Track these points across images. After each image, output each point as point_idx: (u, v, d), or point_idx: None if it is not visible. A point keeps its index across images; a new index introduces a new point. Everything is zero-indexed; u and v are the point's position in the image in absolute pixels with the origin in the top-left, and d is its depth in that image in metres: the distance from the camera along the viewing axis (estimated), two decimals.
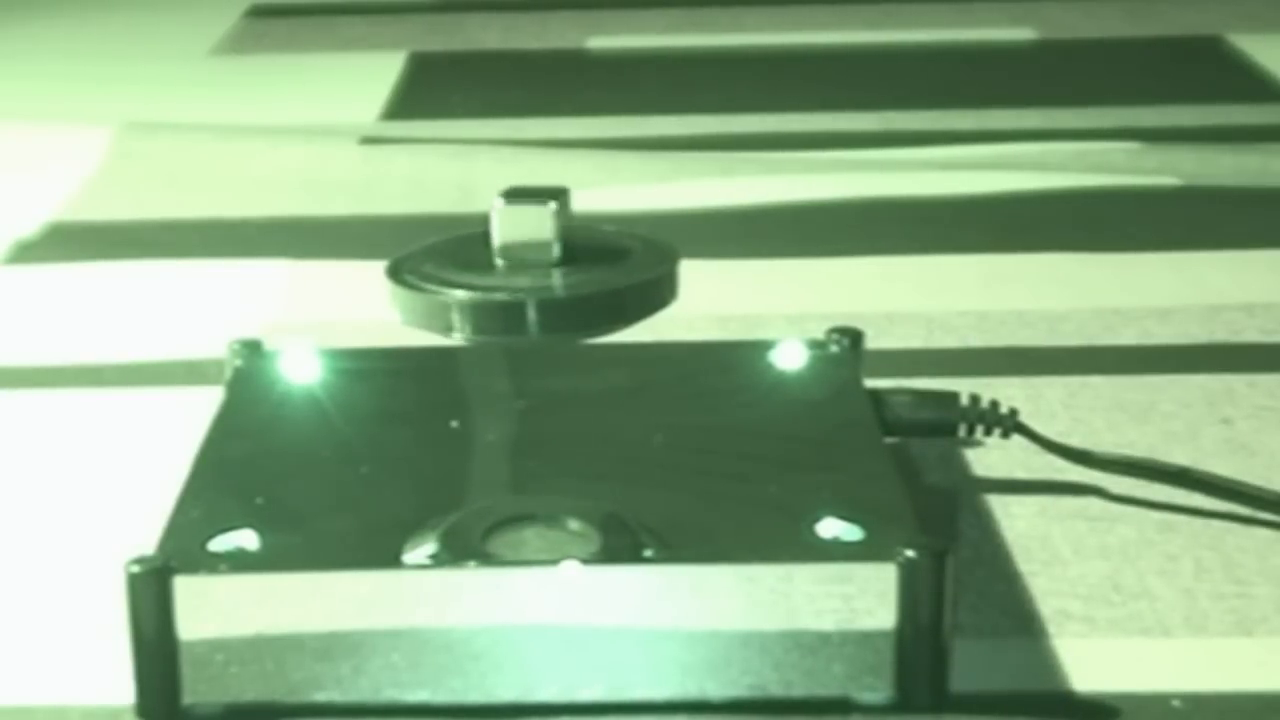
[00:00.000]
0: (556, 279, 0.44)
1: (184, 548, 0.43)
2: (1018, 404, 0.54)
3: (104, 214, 0.82)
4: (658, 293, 0.45)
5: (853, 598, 0.42)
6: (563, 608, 0.42)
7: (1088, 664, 0.45)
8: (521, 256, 0.45)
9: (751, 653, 0.42)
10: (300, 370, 0.53)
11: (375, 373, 0.54)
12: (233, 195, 0.84)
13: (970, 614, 0.47)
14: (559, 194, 0.45)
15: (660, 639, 0.42)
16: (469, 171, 0.86)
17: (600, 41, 1.17)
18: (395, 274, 0.45)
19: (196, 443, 0.49)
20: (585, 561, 0.42)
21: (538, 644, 0.42)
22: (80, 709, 0.44)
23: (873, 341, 0.56)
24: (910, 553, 0.41)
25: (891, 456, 0.48)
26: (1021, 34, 1.16)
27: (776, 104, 1.00)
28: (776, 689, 0.42)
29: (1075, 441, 0.54)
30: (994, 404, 0.53)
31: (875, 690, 0.42)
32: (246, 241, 0.77)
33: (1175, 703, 0.43)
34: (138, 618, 0.42)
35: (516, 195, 0.45)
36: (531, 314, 0.43)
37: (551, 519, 0.44)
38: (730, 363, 0.54)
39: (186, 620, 0.42)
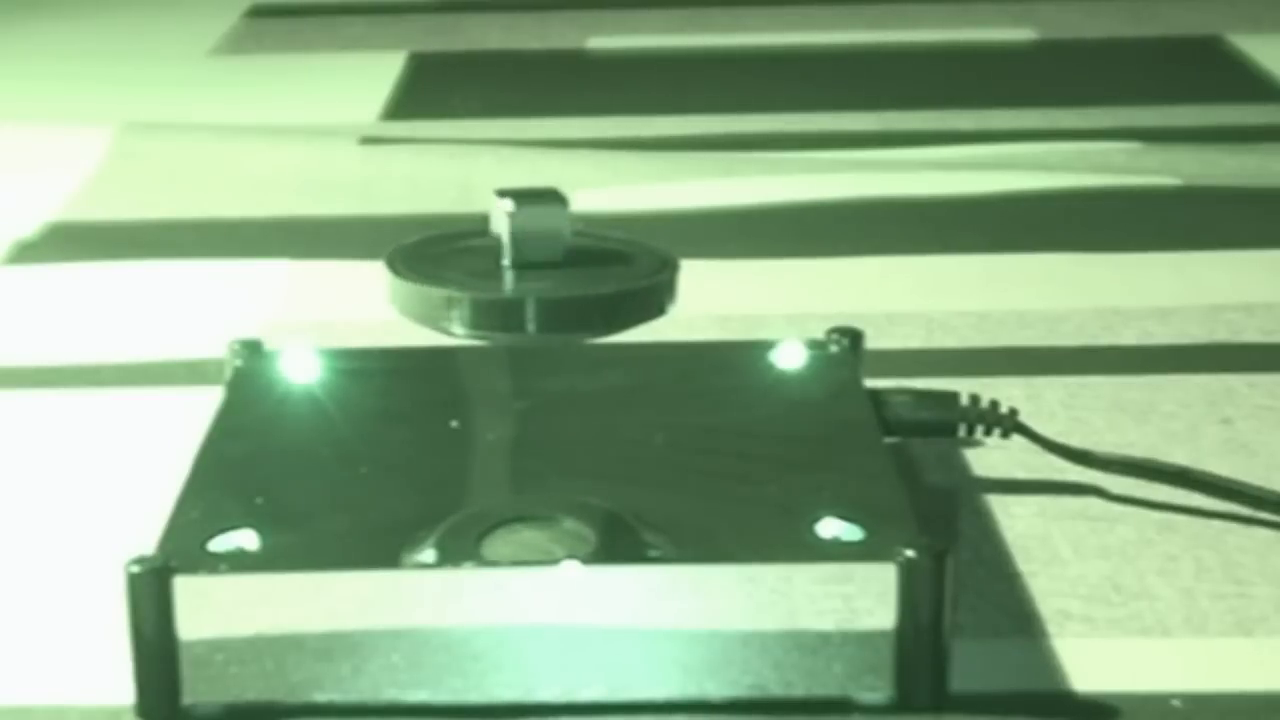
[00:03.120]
0: (553, 279, 0.44)
1: (184, 548, 0.43)
2: (1018, 404, 0.54)
3: (104, 214, 0.82)
4: (653, 300, 0.45)
5: (853, 598, 0.42)
6: (563, 608, 0.42)
7: (1088, 664, 0.45)
8: (526, 255, 0.45)
9: (751, 653, 0.42)
10: (300, 370, 0.53)
11: (375, 373, 0.54)
12: (233, 195, 0.84)
13: (970, 614, 0.47)
14: (558, 194, 0.45)
15: (660, 639, 0.42)
16: (469, 171, 0.86)
17: (600, 41, 1.17)
18: (395, 266, 0.45)
19: (196, 443, 0.49)
20: (585, 561, 0.42)
21: (538, 644, 0.42)
22: (80, 709, 0.44)
23: (873, 341, 0.56)
24: (910, 553, 0.41)
25: (891, 456, 0.48)
26: (1021, 34, 1.16)
27: (776, 104, 1.00)
28: (776, 689, 0.42)
29: (1075, 441, 0.54)
30: (994, 404, 0.53)
31: (875, 690, 0.42)
32: (246, 241, 0.77)
33: (1175, 703, 0.43)
34: (138, 618, 0.42)
35: (518, 194, 0.45)
36: (530, 314, 0.43)
37: (551, 519, 0.44)
38: (730, 363, 0.54)
39: (186, 620, 0.42)
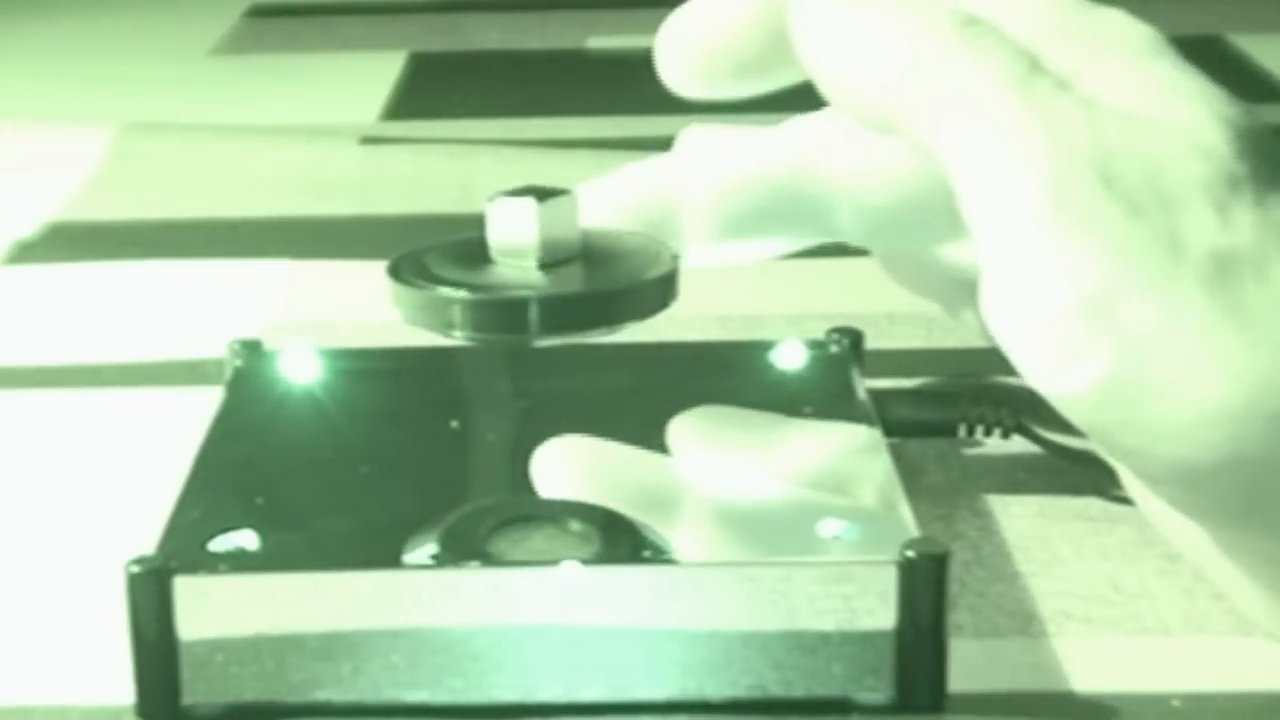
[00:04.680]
0: (555, 278, 0.44)
1: (184, 548, 0.43)
2: None
3: (104, 214, 0.82)
4: (661, 291, 0.45)
5: (853, 598, 0.42)
6: (563, 608, 0.42)
7: (1088, 664, 0.45)
8: (517, 255, 0.45)
9: (751, 653, 0.42)
10: (300, 370, 0.53)
11: (375, 373, 0.54)
12: (233, 195, 0.84)
13: (970, 614, 0.47)
14: (558, 193, 0.45)
15: (660, 639, 0.42)
16: (469, 171, 0.86)
17: (600, 41, 1.17)
18: (396, 272, 0.45)
19: (196, 443, 0.49)
20: (585, 561, 0.42)
21: (538, 644, 0.42)
22: (80, 709, 0.44)
23: (873, 341, 0.56)
24: (910, 553, 0.41)
25: (891, 456, 0.48)
26: None
27: (776, 104, 0.99)
28: (776, 689, 0.42)
29: (1075, 442, 0.54)
30: (994, 404, 0.53)
31: (875, 690, 0.42)
32: (246, 241, 0.77)
33: (1175, 703, 0.43)
34: (138, 618, 0.42)
35: (519, 194, 0.45)
36: (531, 314, 0.43)
37: (552, 519, 0.44)
38: (730, 363, 0.54)
39: (186, 620, 0.42)
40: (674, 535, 0.44)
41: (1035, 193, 0.40)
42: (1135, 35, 0.43)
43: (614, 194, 0.48)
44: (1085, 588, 0.48)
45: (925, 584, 0.41)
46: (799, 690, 0.42)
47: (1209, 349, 0.39)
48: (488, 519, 0.44)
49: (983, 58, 0.41)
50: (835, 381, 0.52)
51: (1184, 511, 0.43)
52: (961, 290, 0.51)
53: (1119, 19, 0.44)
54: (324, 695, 0.42)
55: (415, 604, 0.42)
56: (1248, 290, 0.39)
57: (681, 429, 0.49)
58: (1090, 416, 0.41)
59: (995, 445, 0.55)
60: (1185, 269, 0.39)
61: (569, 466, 0.47)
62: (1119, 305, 0.39)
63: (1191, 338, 0.39)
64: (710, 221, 0.48)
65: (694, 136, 0.50)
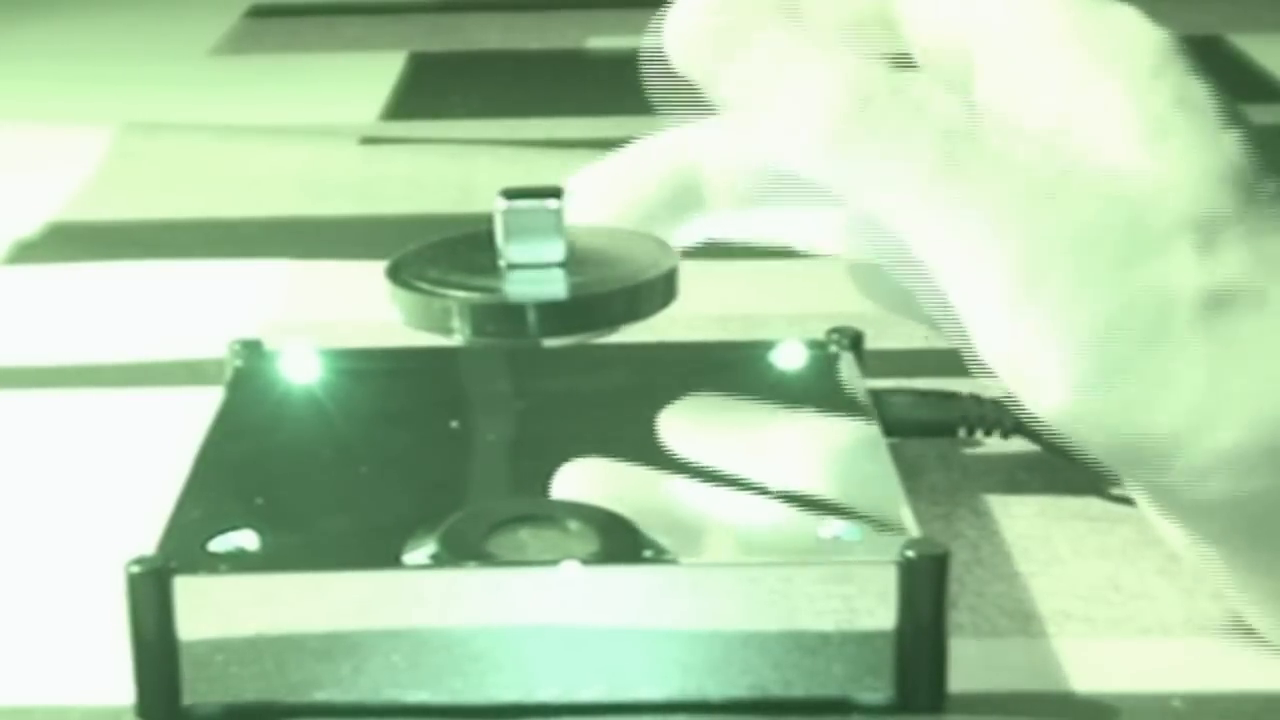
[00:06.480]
0: (560, 280, 0.44)
1: (184, 548, 0.43)
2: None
3: (104, 214, 0.82)
4: (661, 291, 0.45)
5: (853, 598, 0.42)
6: (563, 608, 0.42)
7: (1088, 664, 0.45)
8: (526, 256, 0.45)
9: (751, 653, 0.42)
10: (300, 370, 0.53)
11: (375, 373, 0.54)
12: (233, 195, 0.84)
13: (970, 614, 0.47)
14: (557, 192, 0.45)
15: (660, 639, 0.42)
16: (469, 171, 0.86)
17: (600, 41, 1.17)
18: (395, 275, 0.45)
19: (196, 443, 0.49)
20: (585, 561, 0.42)
21: (538, 644, 0.42)
22: (80, 709, 0.44)
23: (873, 341, 0.56)
24: (910, 553, 0.41)
25: (891, 456, 0.48)
26: None
27: None
28: (776, 689, 0.42)
29: None
30: (994, 404, 0.53)
31: (875, 690, 0.42)
32: (246, 241, 0.77)
33: (1175, 703, 0.43)
34: (138, 618, 0.42)
35: (518, 194, 0.45)
36: (531, 316, 0.43)
37: (552, 519, 0.44)
38: (730, 363, 0.54)
39: (186, 620, 0.42)
40: (674, 535, 0.44)
41: (1005, 282, 0.39)
42: (1145, 43, 0.43)
43: (630, 168, 0.48)
44: (1085, 588, 0.48)
45: (925, 584, 0.41)
46: (799, 690, 0.42)
47: (1211, 395, 0.39)
48: (487, 519, 0.44)
49: (906, 142, 0.40)
50: (835, 381, 0.52)
51: (1190, 532, 0.43)
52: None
53: (1132, 22, 0.43)
54: (324, 695, 0.42)
55: (415, 604, 0.42)
56: (1244, 329, 0.39)
57: (675, 423, 0.49)
58: (1098, 454, 0.41)
59: (995, 445, 0.55)
60: (1178, 318, 0.39)
61: (581, 488, 0.47)
62: (1117, 376, 0.39)
63: (1193, 386, 0.39)
64: (736, 186, 0.47)
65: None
